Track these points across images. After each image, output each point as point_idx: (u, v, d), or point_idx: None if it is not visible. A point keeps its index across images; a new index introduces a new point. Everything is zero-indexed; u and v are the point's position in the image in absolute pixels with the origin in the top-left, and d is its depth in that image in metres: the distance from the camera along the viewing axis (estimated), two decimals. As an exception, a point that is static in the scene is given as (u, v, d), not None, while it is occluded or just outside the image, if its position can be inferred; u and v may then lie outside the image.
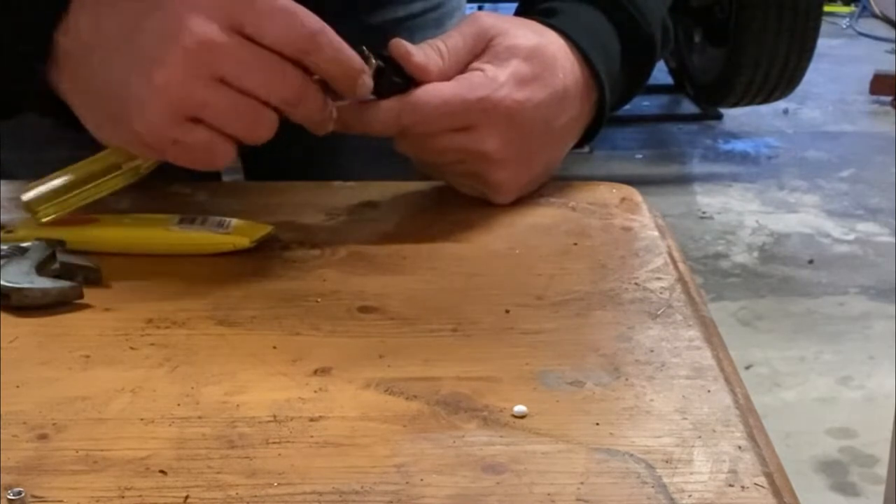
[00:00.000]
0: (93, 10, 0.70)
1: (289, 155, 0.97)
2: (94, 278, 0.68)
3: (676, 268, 0.72)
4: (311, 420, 0.55)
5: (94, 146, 0.74)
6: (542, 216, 0.80)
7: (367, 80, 0.71)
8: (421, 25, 0.87)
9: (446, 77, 0.75)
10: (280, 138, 0.74)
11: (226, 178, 0.96)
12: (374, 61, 0.73)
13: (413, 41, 0.76)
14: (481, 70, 0.76)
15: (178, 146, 0.68)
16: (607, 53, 0.81)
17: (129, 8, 0.68)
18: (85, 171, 0.73)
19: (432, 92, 0.74)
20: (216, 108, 0.67)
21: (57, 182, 0.73)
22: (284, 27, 0.67)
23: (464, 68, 0.77)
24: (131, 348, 0.62)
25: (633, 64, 0.83)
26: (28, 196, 0.73)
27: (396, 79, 0.74)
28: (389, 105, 0.74)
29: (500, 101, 0.75)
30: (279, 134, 0.95)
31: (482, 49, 0.77)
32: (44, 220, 0.72)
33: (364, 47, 0.72)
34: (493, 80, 0.75)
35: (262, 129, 0.69)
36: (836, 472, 2.22)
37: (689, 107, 4.26)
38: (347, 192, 0.83)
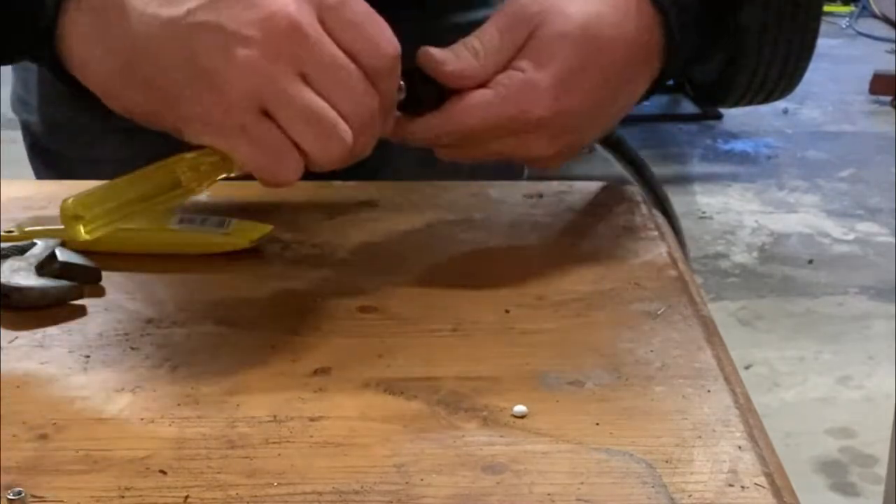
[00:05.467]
0: None
1: None
2: (94, 278, 0.68)
3: (676, 268, 0.72)
4: (311, 420, 0.55)
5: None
6: (542, 216, 0.80)
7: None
8: None
9: (485, 77, 0.69)
10: None
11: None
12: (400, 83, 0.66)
13: None
14: (521, 71, 0.69)
15: (245, 136, 0.60)
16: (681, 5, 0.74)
17: None
18: (135, 190, 0.62)
19: (468, 110, 0.68)
20: (293, 104, 0.60)
21: (106, 199, 0.62)
22: (371, 43, 0.62)
23: (506, 63, 0.69)
24: (131, 348, 0.62)
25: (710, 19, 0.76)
26: (72, 206, 0.60)
27: (426, 87, 0.68)
28: (425, 123, 0.69)
29: (542, 115, 0.69)
30: None
31: (524, 40, 0.69)
32: (88, 236, 0.61)
33: None
34: (535, 87, 0.68)
35: (334, 147, 0.61)
36: (835, 472, 2.22)
37: (689, 107, 4.26)
38: (347, 192, 0.83)
